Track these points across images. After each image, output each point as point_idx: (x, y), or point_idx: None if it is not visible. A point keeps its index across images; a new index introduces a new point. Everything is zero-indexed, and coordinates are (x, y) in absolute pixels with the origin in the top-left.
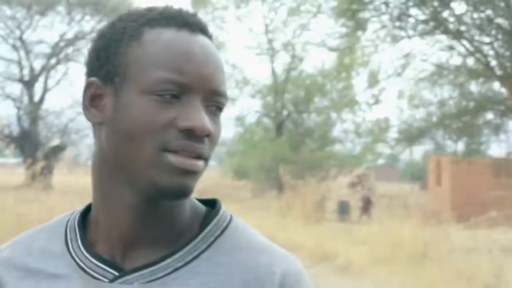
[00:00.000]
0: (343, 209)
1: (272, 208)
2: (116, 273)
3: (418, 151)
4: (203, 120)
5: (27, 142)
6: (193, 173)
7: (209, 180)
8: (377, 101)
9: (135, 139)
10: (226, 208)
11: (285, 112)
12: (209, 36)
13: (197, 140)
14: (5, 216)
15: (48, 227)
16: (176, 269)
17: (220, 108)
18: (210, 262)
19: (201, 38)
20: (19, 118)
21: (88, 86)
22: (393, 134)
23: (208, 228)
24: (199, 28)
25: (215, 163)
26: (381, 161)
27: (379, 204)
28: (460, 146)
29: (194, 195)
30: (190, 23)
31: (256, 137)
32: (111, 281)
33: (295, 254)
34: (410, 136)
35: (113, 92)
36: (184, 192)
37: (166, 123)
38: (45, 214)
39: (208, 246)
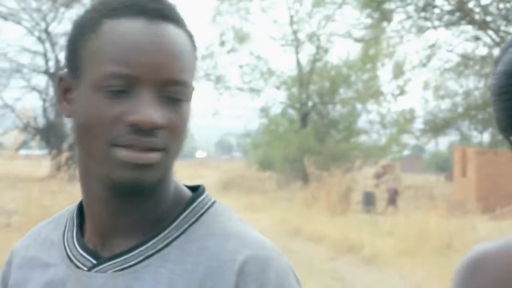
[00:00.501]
0: (369, 200)
1: (297, 200)
2: (95, 262)
3: (443, 142)
4: (149, 113)
5: (53, 134)
6: (148, 166)
7: (234, 172)
8: (402, 92)
9: (88, 135)
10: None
11: (310, 103)
12: (175, 21)
13: (145, 134)
14: (30, 208)
15: (57, 217)
16: (147, 257)
17: (179, 98)
18: (181, 250)
19: (159, 26)
20: (44, 110)
21: (59, 79)
22: (418, 125)
23: (183, 215)
24: (161, 14)
25: (239, 154)
26: (406, 152)
27: (405, 195)
28: (486, 136)
29: (216, 186)
30: (147, 10)
31: (281, 128)
32: (89, 269)
33: (321, 245)
34: (436, 127)
35: (76, 86)
36: (141, 186)
37: (114, 118)
38: (70, 205)
39: (182, 233)
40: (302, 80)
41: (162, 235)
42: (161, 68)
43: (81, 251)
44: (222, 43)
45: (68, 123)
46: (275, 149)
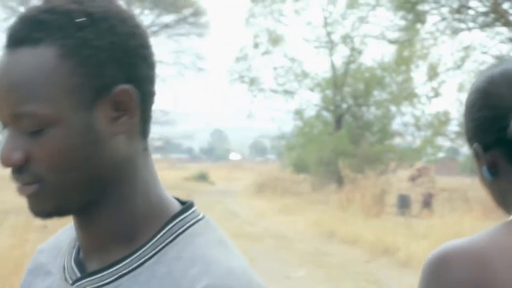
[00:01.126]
0: (403, 203)
1: (332, 202)
2: (79, 276)
3: None
4: (4, 152)
5: None
6: (32, 197)
7: (268, 174)
8: (436, 94)
9: None
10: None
11: (344, 105)
12: (33, 41)
13: (13, 170)
14: None
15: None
16: (120, 276)
17: (35, 130)
18: (151, 272)
19: (9, 55)
20: None
21: None
22: (453, 127)
23: (160, 234)
24: (17, 39)
25: (274, 156)
26: (441, 155)
27: (440, 198)
28: None
29: (250, 188)
30: (10, 38)
31: (315, 130)
32: (73, 283)
33: (355, 247)
34: None
35: None
36: (35, 214)
37: None
38: None
39: (156, 253)
40: (336, 82)
41: (136, 254)
42: (2, 103)
43: (72, 263)
44: (256, 45)
45: None
46: (309, 151)
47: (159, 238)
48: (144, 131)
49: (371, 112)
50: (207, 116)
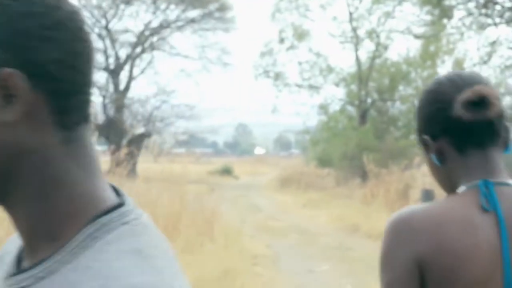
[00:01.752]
0: (428, 197)
1: (356, 197)
2: (12, 272)
3: None
4: None
5: (112, 130)
6: None
7: (292, 169)
8: None
9: None
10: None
11: (369, 100)
12: None
13: None
14: None
15: None
16: (37, 280)
17: None
18: (62, 279)
19: None
20: (104, 107)
21: None
22: None
23: (78, 238)
24: None
25: (298, 151)
26: None
27: None
28: None
29: (275, 183)
30: None
31: (340, 125)
32: (5, 278)
33: (379, 242)
34: None
35: None
36: None
37: None
38: None
39: (73, 259)
40: (361, 77)
41: (56, 257)
42: None
43: (15, 258)
44: (282, 40)
45: (128, 120)
46: (334, 146)
47: (79, 242)
48: (62, 122)
49: (396, 107)
50: (232, 111)
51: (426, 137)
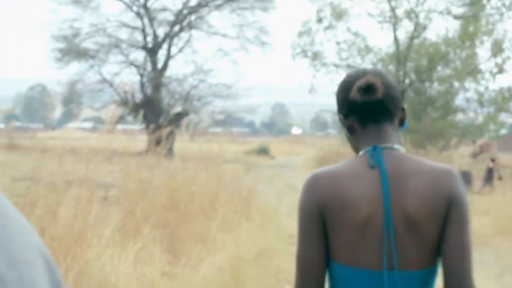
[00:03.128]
0: (465, 179)
1: None
2: None
3: None
4: None
5: (150, 109)
6: None
7: (329, 148)
8: (501, 70)
9: None
10: None
11: (407, 81)
12: None
13: None
14: (129, 180)
15: None
16: None
17: None
18: None
19: None
20: (142, 85)
21: None
22: None
23: None
24: None
25: (335, 131)
26: (503, 131)
27: (502, 175)
28: None
29: (311, 163)
30: None
31: None
32: None
33: None
34: None
35: None
36: None
37: None
38: (167, 180)
39: None
40: (399, 57)
41: None
42: None
43: None
44: (320, 20)
45: (165, 98)
46: None
47: None
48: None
49: (434, 88)
50: (269, 90)
51: (341, 115)
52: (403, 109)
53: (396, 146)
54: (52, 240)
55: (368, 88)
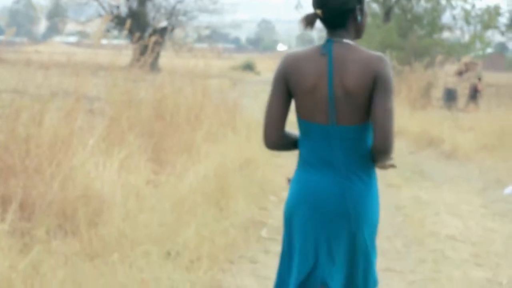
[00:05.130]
0: (450, 96)
1: None
2: None
3: None
4: None
5: (135, 23)
6: None
7: None
8: None
9: None
10: None
11: None
12: None
13: None
14: (115, 92)
15: None
16: None
17: None
18: None
19: None
20: None
21: None
22: (504, 20)
23: None
24: None
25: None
26: (489, 50)
27: (487, 93)
28: None
29: None
30: None
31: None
32: None
33: (401, 139)
34: None
35: None
36: None
37: None
38: (154, 92)
39: None
40: None
41: None
42: None
43: None
44: None
45: (150, 13)
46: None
47: None
48: None
49: (420, 5)
50: (255, 6)
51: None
52: (357, 22)
53: (345, 40)
54: (38, 147)
55: (319, 5)
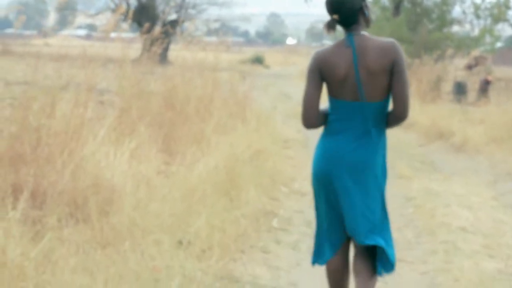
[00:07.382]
0: (460, 90)
1: None
2: None
3: None
4: None
5: (144, 16)
6: None
7: None
8: None
9: None
10: None
11: None
12: None
13: None
14: (125, 83)
15: None
16: None
17: None
18: None
19: None
20: None
21: None
22: None
23: None
24: None
25: (330, 42)
26: (499, 44)
27: (496, 87)
28: None
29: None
30: None
31: (373, 16)
32: None
33: (411, 131)
34: None
35: None
36: None
37: None
38: (163, 83)
39: None
40: None
41: None
42: None
43: None
44: None
45: (160, 6)
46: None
47: None
48: None
49: None
50: (264, 0)
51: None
52: (366, 16)
53: (362, 32)
54: (49, 136)
55: (333, 9)
